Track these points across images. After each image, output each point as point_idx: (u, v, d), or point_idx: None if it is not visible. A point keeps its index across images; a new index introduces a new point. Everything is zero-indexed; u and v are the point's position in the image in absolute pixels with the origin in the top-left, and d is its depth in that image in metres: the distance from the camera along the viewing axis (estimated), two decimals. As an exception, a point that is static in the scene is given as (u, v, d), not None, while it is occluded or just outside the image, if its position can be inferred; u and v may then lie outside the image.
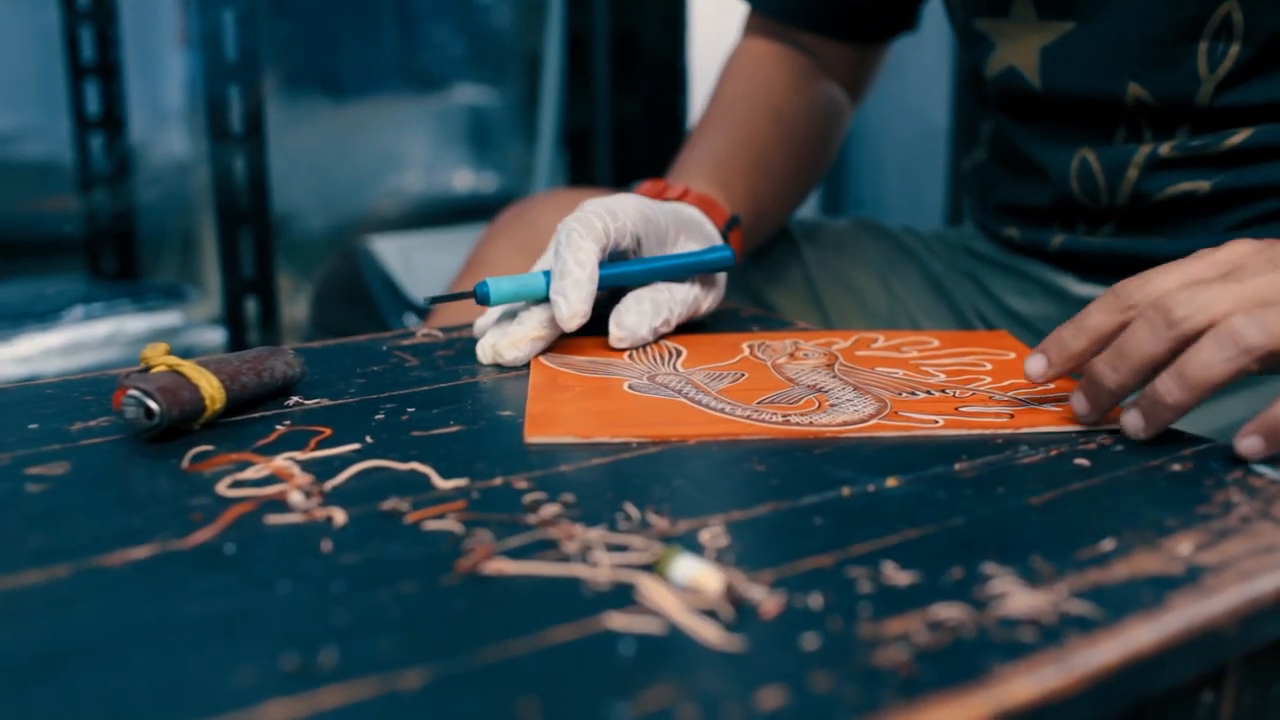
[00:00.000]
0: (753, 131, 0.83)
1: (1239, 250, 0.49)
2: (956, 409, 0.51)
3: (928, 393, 0.53)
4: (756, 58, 0.90)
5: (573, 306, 0.58)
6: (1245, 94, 0.68)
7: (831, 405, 0.51)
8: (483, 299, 0.59)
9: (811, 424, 0.49)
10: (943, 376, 0.56)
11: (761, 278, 0.88)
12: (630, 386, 0.55)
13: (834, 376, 0.55)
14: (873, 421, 0.49)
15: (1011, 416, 0.50)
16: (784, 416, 0.50)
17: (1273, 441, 0.45)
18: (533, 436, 0.49)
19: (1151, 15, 0.68)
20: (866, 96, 0.97)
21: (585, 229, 0.59)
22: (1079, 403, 0.49)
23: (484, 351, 0.60)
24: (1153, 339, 0.47)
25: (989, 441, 0.48)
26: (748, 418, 0.50)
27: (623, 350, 0.61)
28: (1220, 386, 0.46)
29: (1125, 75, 0.70)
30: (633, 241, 0.62)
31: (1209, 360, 0.46)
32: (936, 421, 0.49)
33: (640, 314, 0.61)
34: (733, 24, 1.75)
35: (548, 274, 0.60)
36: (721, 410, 0.51)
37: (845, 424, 0.49)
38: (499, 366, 0.60)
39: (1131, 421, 0.48)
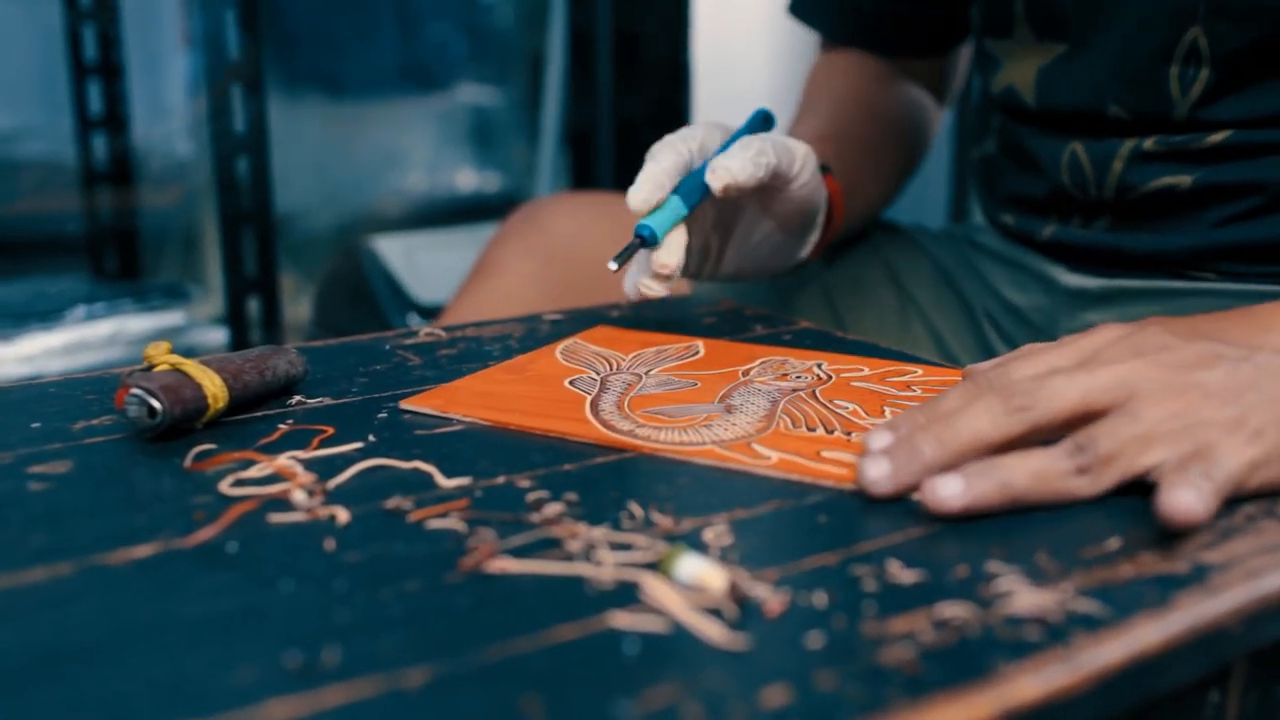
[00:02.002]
0: (840, 115, 0.84)
1: (1104, 336, 0.46)
2: (818, 452, 0.47)
3: (829, 431, 0.49)
4: (835, 64, 0.92)
5: (637, 185, 0.60)
6: (1220, 111, 0.69)
7: (707, 427, 0.50)
8: (652, 241, 0.61)
9: (648, 439, 0.48)
10: (890, 416, 0.51)
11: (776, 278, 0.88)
12: (572, 382, 0.56)
13: (772, 401, 0.53)
14: (706, 446, 0.47)
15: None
16: (634, 427, 0.49)
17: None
18: (406, 404, 0.53)
19: (1126, 40, 0.71)
20: (955, 97, 0.98)
21: (666, 148, 0.62)
22: (877, 467, 0.42)
23: (635, 289, 0.63)
24: (987, 420, 0.42)
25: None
26: (605, 423, 0.50)
27: (663, 283, 0.62)
28: (983, 448, 0.42)
29: (1106, 97, 0.73)
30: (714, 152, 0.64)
31: (977, 415, 0.42)
32: (770, 459, 0.46)
33: (730, 155, 0.61)
34: (736, 22, 1.76)
35: (678, 191, 0.62)
36: (598, 413, 0.51)
37: (680, 444, 0.48)
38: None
39: (874, 470, 0.42)
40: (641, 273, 0.63)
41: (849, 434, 0.49)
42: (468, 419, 0.51)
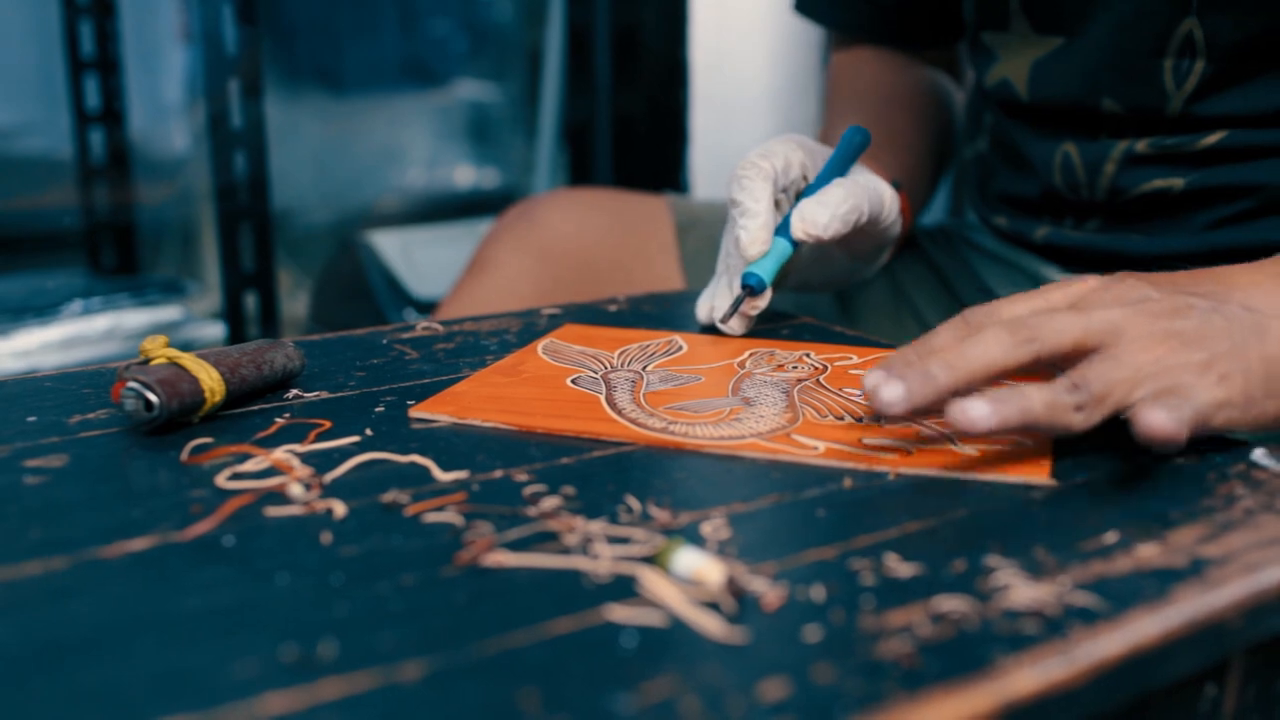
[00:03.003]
0: (878, 115, 0.84)
1: (1085, 285, 0.50)
2: (859, 439, 0.47)
3: (856, 419, 0.50)
4: (855, 61, 0.93)
5: (751, 234, 0.61)
6: (1214, 106, 0.69)
7: (737, 420, 0.50)
8: (759, 289, 0.62)
9: (686, 435, 0.48)
10: None
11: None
12: (574, 381, 0.55)
13: (784, 392, 0.54)
14: (749, 440, 0.47)
15: (909, 454, 0.46)
16: (666, 424, 0.49)
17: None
18: (416, 411, 0.51)
19: (1121, 32, 0.71)
20: (966, 80, 0.99)
21: (753, 171, 0.62)
22: (891, 390, 0.44)
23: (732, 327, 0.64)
24: (999, 349, 0.45)
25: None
26: (634, 421, 0.49)
27: (748, 324, 0.63)
28: (992, 374, 0.45)
29: (1100, 90, 0.72)
30: (801, 171, 0.64)
31: (987, 344, 0.45)
32: (817, 448, 0.46)
33: (822, 204, 0.62)
34: (734, 19, 1.76)
35: (779, 231, 0.62)
36: (621, 411, 0.51)
37: (720, 439, 0.47)
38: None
39: (889, 392, 0.44)
40: (716, 301, 0.64)
41: (877, 420, 0.50)
42: (488, 424, 0.50)
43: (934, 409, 0.45)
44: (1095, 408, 0.44)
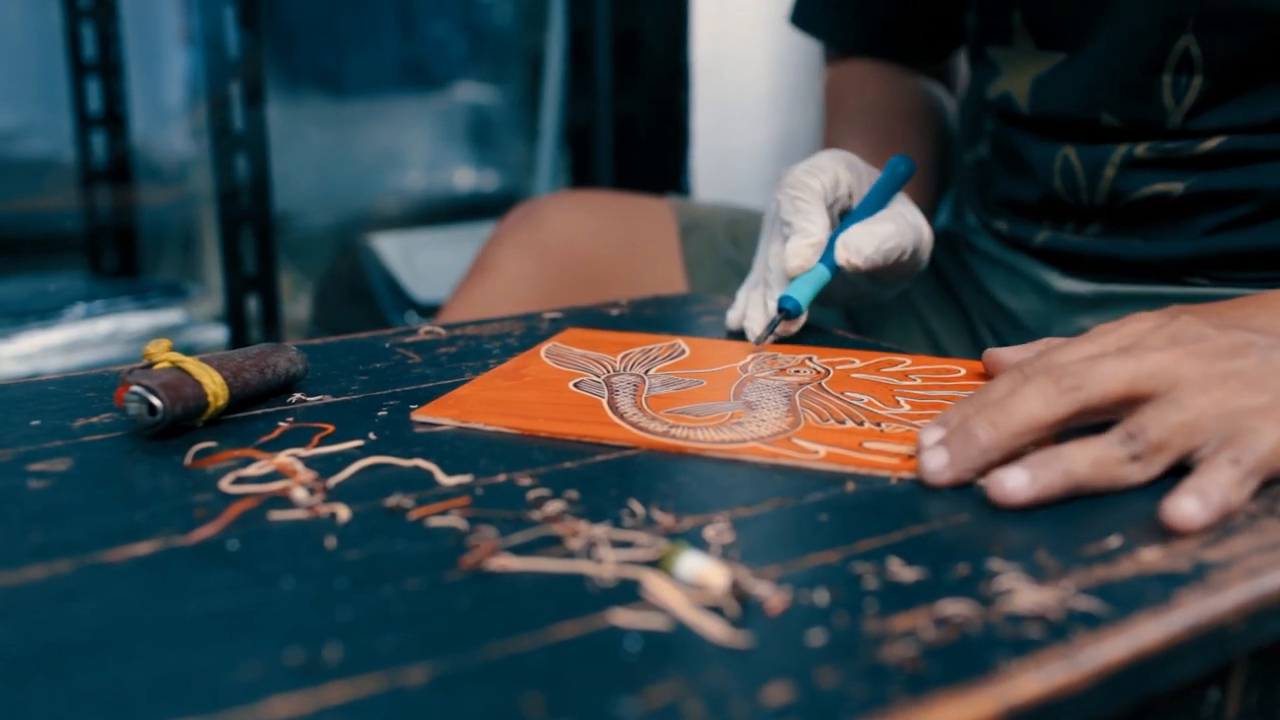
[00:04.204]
0: (881, 127, 0.85)
1: (1139, 326, 0.47)
2: (860, 443, 0.47)
3: (858, 423, 0.50)
4: (852, 74, 0.93)
5: (795, 247, 0.61)
6: (1212, 119, 0.70)
7: (738, 424, 0.50)
8: (797, 313, 0.62)
9: (688, 439, 0.48)
10: (907, 408, 0.52)
11: None
12: (576, 385, 0.55)
13: (786, 396, 0.54)
14: (750, 444, 0.47)
15: (911, 457, 0.45)
16: (668, 427, 0.49)
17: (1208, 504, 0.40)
18: (419, 415, 0.51)
19: (1120, 49, 0.71)
20: (962, 90, 1.00)
21: (805, 192, 0.62)
22: (935, 458, 0.43)
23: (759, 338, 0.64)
24: (1040, 401, 0.43)
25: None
26: (636, 424, 0.49)
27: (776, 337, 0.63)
28: (1036, 429, 0.43)
29: (1099, 106, 0.73)
30: (848, 190, 0.64)
31: (1029, 397, 0.43)
32: (818, 453, 0.46)
33: (871, 234, 0.62)
34: (735, 20, 1.76)
35: (824, 259, 0.62)
36: (623, 414, 0.51)
37: (721, 442, 0.47)
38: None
39: (933, 460, 0.43)
40: (752, 311, 0.64)
41: (879, 424, 0.49)
42: (491, 428, 0.50)
43: (982, 473, 0.43)
44: (1153, 457, 0.42)
